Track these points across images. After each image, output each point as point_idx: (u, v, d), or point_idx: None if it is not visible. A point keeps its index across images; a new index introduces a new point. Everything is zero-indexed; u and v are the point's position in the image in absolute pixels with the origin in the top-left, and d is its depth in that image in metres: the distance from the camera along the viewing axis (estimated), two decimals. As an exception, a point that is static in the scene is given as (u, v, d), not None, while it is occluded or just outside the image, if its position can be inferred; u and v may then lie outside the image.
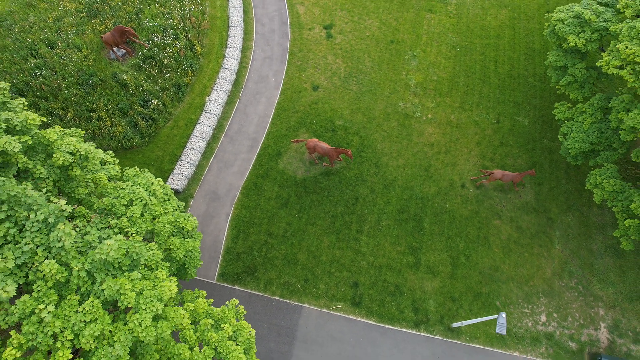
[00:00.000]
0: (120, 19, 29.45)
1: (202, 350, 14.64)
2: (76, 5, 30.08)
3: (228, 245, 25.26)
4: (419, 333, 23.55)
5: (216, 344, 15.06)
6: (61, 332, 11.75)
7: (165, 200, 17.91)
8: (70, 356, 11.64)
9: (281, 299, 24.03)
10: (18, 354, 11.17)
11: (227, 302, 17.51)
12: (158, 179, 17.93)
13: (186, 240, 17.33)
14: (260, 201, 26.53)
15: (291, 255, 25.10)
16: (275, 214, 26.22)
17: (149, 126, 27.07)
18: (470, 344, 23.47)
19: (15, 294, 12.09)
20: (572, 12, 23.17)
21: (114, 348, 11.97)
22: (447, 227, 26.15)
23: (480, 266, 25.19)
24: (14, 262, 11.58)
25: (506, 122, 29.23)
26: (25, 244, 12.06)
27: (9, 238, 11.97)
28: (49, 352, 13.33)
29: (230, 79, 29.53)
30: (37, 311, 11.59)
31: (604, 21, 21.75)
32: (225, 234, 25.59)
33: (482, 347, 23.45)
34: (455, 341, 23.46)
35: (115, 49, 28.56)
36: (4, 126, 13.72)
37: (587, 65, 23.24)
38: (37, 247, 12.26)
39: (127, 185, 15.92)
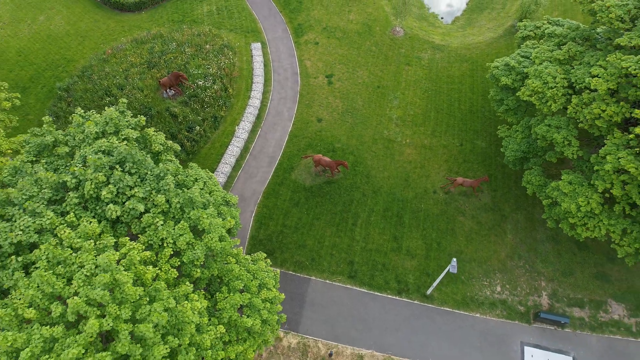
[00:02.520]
0: (172, 69, 39.03)
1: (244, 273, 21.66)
2: (139, 60, 39.83)
3: (252, 234, 32.61)
4: (400, 299, 30.19)
5: (254, 271, 22.18)
6: (165, 238, 19.09)
7: (215, 184, 25.71)
8: (172, 252, 18.94)
9: (294, 273, 30.95)
10: (141, 248, 18.42)
11: (257, 254, 24.65)
12: (206, 169, 25.86)
13: (230, 208, 24.87)
14: (277, 202, 34.23)
15: (301, 241, 32.34)
16: (289, 211, 33.80)
17: (192, 146, 35.49)
18: (441, 307, 30.02)
19: (141, 212, 19.54)
20: (504, 61, 32.40)
21: (195, 251, 19.25)
22: (422, 222, 33.57)
23: (448, 250, 32.25)
24: (142, 195, 19.23)
25: (467, 145, 37.64)
26: (146, 187, 19.80)
27: (137, 183, 19.70)
28: (156, 254, 20.34)
29: (254, 113, 38.45)
30: (152, 224, 19.07)
31: (523, 67, 30.82)
32: (250, 226, 33.02)
33: (450, 309, 29.97)
34: (429, 305, 30.04)
35: (168, 90, 37.80)
36: (127, 123, 22.03)
37: (516, 98, 31.91)
38: (152, 189, 19.96)
39: (192, 170, 23.83)
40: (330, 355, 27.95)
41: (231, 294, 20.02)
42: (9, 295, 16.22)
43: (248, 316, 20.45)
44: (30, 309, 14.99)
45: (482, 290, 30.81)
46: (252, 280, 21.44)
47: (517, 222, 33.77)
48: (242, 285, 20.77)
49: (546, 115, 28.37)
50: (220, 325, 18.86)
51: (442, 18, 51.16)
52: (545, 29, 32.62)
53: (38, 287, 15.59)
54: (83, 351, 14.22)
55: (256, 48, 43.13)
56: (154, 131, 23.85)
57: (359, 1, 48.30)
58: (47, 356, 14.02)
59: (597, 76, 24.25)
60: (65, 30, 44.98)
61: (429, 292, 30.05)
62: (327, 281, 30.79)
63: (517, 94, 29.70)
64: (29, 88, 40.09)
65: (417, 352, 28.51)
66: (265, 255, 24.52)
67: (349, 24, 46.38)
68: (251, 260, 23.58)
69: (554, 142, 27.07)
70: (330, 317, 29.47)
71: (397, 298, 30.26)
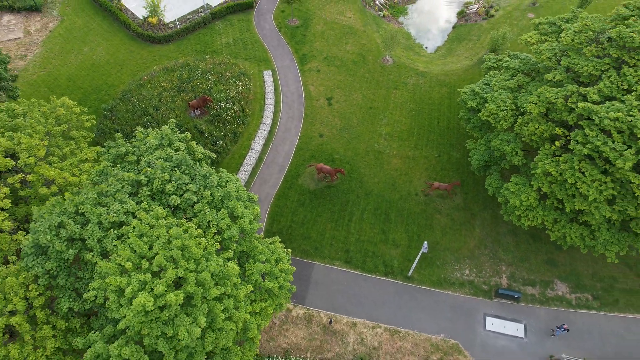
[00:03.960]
0: (199, 93, 46.86)
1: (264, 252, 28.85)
2: (170, 85, 47.66)
3: (267, 228, 39.88)
4: (387, 279, 37.31)
5: (272, 249, 29.41)
6: (211, 221, 26.37)
7: (240, 186, 33.10)
8: (215, 231, 26.21)
9: (301, 259, 38.10)
10: (195, 227, 25.65)
11: (273, 238, 31.84)
12: (234, 173, 33.25)
13: (253, 204, 32.19)
14: (286, 202, 41.60)
15: (306, 234, 39.59)
16: (296, 210, 41.15)
17: (216, 157, 42.99)
18: (420, 286, 37.12)
19: (193, 202, 26.85)
20: (470, 88, 40.15)
21: (232, 230, 26.52)
22: (405, 219, 40.87)
23: (427, 242, 39.43)
24: (194, 189, 26.64)
25: (444, 156, 45.18)
26: (196, 184, 27.21)
27: (189, 181, 27.11)
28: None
29: (266, 130, 46.10)
30: (202, 211, 26.40)
31: (485, 93, 38.52)
32: (265, 221, 40.30)
33: (427, 288, 37.05)
34: (410, 284, 37.15)
35: (195, 110, 45.53)
36: (177, 137, 29.60)
37: (479, 118, 39.44)
38: (201, 186, 27.34)
39: (224, 174, 31.25)
40: (330, 322, 34.97)
41: (256, 264, 27.24)
42: (110, 256, 23.38)
43: (269, 281, 27.61)
44: (128, 262, 22.17)
45: (453, 273, 37.96)
46: (271, 255, 28.66)
47: (484, 219, 41.08)
48: (265, 258, 27.99)
49: (499, 132, 35.95)
50: (249, 285, 26.00)
51: (426, 47, 59.36)
52: (504, 62, 40.44)
53: (131, 249, 22.84)
54: (165, 288, 21.37)
55: (267, 75, 51.08)
56: (195, 144, 31.39)
57: (354, 34, 56.55)
58: (142, 292, 21.16)
59: (533, 102, 31.89)
60: (106, 60, 53.00)
61: (410, 273, 37.20)
62: (328, 265, 37.96)
63: (479, 115, 37.34)
64: (78, 109, 47.78)
65: (400, 322, 35.49)
66: (279, 239, 31.77)
67: (346, 54, 54.46)
68: (270, 242, 30.85)
69: (505, 153, 34.60)
70: (330, 293, 36.55)
71: (384, 279, 37.39)
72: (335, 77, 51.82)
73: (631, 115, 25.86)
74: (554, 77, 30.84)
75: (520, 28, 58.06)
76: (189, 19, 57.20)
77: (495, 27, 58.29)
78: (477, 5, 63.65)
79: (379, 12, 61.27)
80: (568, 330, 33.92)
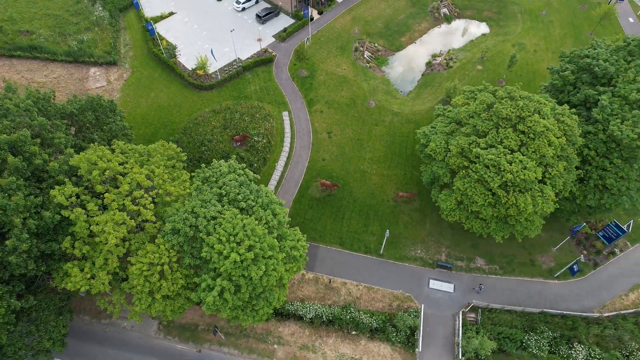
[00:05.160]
0: (239, 130, 67.18)
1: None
2: (217, 124, 67.98)
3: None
4: (366, 255, 57.46)
5: (294, 233, 49.59)
6: (261, 216, 46.39)
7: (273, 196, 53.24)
8: (265, 222, 46.27)
9: (311, 243, 58.15)
10: (254, 219, 45.65)
11: (294, 228, 51.86)
12: (264, 185, 53.28)
13: (282, 207, 52.32)
14: (300, 206, 61.80)
15: (314, 227, 59.70)
16: (307, 211, 61.33)
17: (252, 175, 63.22)
18: (389, 260, 57.25)
19: (251, 206, 46.83)
20: (422, 130, 60.22)
21: (274, 222, 46.61)
22: (380, 217, 61.05)
23: (393, 232, 59.53)
24: (252, 198, 46.69)
25: (408, 174, 65.47)
26: (252, 195, 47.31)
27: (247, 193, 47.13)
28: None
29: (285, 156, 66.39)
30: (257, 210, 46.45)
31: (431, 134, 58.56)
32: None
33: (393, 262, 57.18)
34: (382, 259, 57.29)
35: (237, 143, 65.82)
36: (239, 166, 49.92)
37: (426, 151, 59.43)
38: (255, 196, 47.39)
39: (264, 187, 51.36)
40: (330, 282, 55.08)
41: (287, 241, 47.27)
42: (212, 235, 43.38)
43: (294, 252, 47.59)
44: (223, 237, 42.12)
45: (410, 252, 58.13)
46: (295, 237, 48.81)
47: (432, 218, 61.30)
48: (291, 238, 48.05)
49: (438, 161, 56.25)
50: (283, 253, 45.94)
51: (401, 92, 79.84)
52: (447, 112, 60.70)
53: (224, 230, 42.88)
54: (244, 251, 41.29)
55: (285, 115, 71.52)
56: (247, 170, 51.61)
57: (347, 83, 77.06)
58: (232, 252, 41.10)
59: (454, 145, 52.08)
60: (168, 103, 73.38)
61: (381, 252, 57.39)
62: (328, 247, 58.13)
63: (426, 149, 57.60)
64: (152, 140, 67.98)
65: (374, 282, 55.49)
66: (298, 228, 51.87)
67: (341, 98, 74.93)
68: (293, 230, 50.99)
69: (440, 175, 54.82)
70: (330, 264, 56.63)
71: (364, 255, 57.55)
72: (333, 117, 72.26)
73: (499, 157, 46.20)
74: (465, 130, 51.22)
75: (470, 78, 78.63)
76: (226, 70, 77.67)
77: (452, 76, 78.90)
78: (440, 58, 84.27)
79: (367, 64, 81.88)
80: (482, 287, 54.11)
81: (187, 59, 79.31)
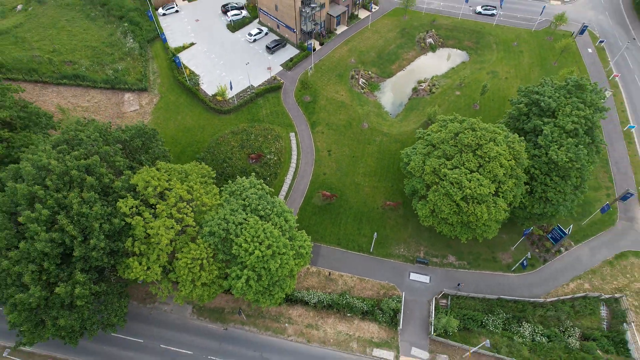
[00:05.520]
0: (255, 149, 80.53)
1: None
2: (236, 143, 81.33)
3: (295, 227, 73.40)
4: (359, 253, 70.77)
5: (302, 235, 62.94)
6: (276, 222, 59.62)
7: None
8: (279, 227, 59.52)
9: (314, 243, 71.42)
10: (271, 224, 58.88)
11: (301, 230, 65.04)
12: (276, 196, 66.55)
13: (291, 214, 65.69)
14: (305, 213, 75.11)
15: (316, 230, 72.97)
16: (311, 217, 74.63)
17: (265, 187, 76.62)
18: (377, 257, 70.54)
19: (269, 214, 60.10)
20: (405, 151, 73.53)
21: (286, 225, 59.92)
22: (371, 222, 74.34)
23: (380, 234, 72.78)
24: (269, 208, 59.91)
25: (395, 186, 78.81)
26: (269, 205, 60.60)
27: (265, 204, 60.34)
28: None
29: (292, 171, 79.75)
30: (272, 217, 59.71)
31: (412, 154, 71.79)
32: (294, 223, 73.83)
33: (381, 258, 70.46)
34: (372, 256, 70.59)
35: (252, 160, 79.17)
36: (257, 182, 63.37)
37: (410, 167, 72.61)
38: (271, 206, 60.60)
39: (277, 199, 64.68)
40: (329, 274, 68.40)
41: (296, 241, 60.50)
42: (240, 236, 56.48)
43: (301, 250, 60.77)
44: (248, 237, 55.21)
45: (394, 250, 71.45)
46: (302, 238, 62.05)
47: (413, 223, 74.63)
48: (299, 239, 61.26)
49: (416, 177, 69.61)
50: (293, 251, 59.14)
51: (391, 114, 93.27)
52: (426, 135, 74.03)
53: (248, 232, 56.06)
54: (264, 248, 54.47)
55: (292, 135, 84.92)
56: (264, 183, 64.90)
57: (345, 108, 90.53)
58: (255, 250, 54.26)
59: (429, 165, 65.37)
60: (192, 125, 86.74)
61: (371, 250, 70.72)
62: (328, 246, 71.45)
63: (407, 167, 70.90)
64: (181, 157, 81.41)
65: (365, 274, 68.73)
66: (304, 231, 65.06)
67: (339, 121, 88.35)
68: (300, 233, 64.27)
69: (418, 188, 68.12)
70: (330, 260, 69.90)
71: (358, 253, 70.87)
72: (332, 137, 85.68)
73: (461, 176, 59.61)
74: (437, 153, 64.69)
75: (449, 102, 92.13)
76: (241, 96, 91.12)
77: (434, 101, 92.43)
78: (425, 84, 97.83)
79: (361, 90, 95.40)
80: (461, 285, 67.35)
81: (207, 86, 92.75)
